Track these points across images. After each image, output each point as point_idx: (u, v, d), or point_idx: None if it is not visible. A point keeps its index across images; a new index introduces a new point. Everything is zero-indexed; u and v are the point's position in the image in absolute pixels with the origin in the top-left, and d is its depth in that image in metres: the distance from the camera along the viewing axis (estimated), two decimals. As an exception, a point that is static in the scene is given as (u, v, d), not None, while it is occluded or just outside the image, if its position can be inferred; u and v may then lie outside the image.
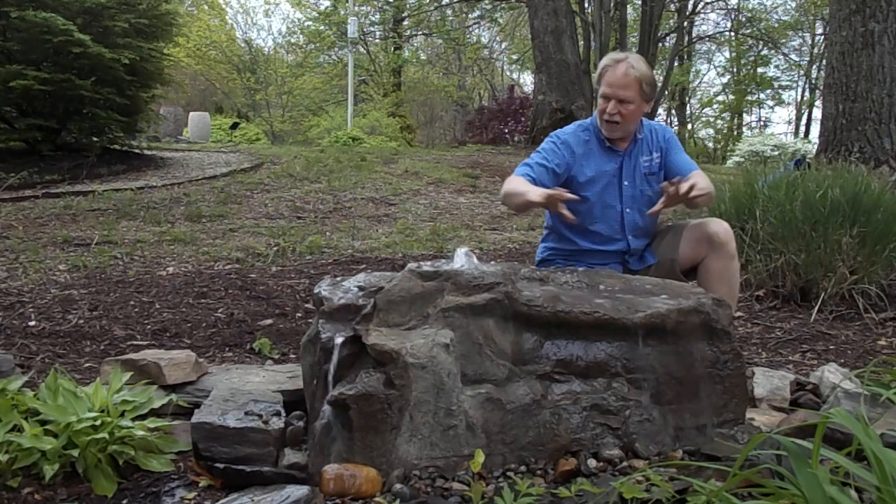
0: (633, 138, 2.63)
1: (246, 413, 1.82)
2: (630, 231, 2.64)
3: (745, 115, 28.88)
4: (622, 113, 2.52)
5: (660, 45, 20.66)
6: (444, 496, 1.62)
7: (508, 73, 29.19)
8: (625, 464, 1.75)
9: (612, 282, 2.10)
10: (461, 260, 1.92)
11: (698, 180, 2.51)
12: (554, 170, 2.57)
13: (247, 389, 2.01)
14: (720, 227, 2.53)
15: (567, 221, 2.39)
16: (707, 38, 25.13)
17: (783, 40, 24.05)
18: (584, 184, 2.60)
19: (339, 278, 2.03)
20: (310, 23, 23.71)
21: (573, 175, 2.60)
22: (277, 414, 1.85)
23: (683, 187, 2.33)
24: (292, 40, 26.80)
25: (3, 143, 7.61)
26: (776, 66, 25.69)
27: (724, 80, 28.14)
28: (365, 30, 23.26)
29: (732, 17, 23.21)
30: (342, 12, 20.75)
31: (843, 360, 2.86)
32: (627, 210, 2.62)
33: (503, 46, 26.90)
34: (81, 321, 3.16)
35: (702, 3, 22.05)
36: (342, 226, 5.89)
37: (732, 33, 23.72)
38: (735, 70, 26.89)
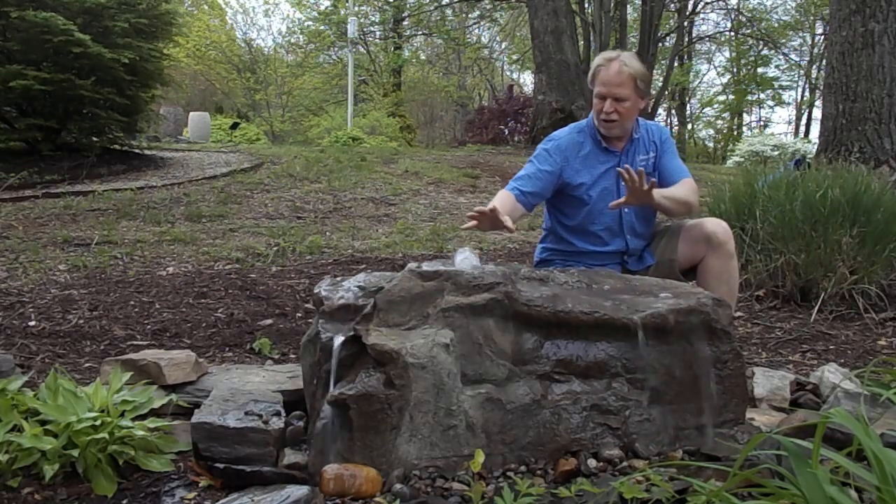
0: (630, 137, 2.63)
1: (246, 413, 1.82)
2: (628, 231, 2.64)
3: (745, 115, 28.91)
4: (619, 111, 2.52)
5: (660, 45, 20.66)
6: (444, 496, 1.62)
7: (508, 73, 29.21)
8: (625, 464, 1.75)
9: (612, 282, 2.10)
10: (461, 259, 1.92)
11: (677, 190, 2.53)
12: (545, 178, 2.59)
13: (247, 389, 2.01)
14: (718, 227, 2.53)
15: (508, 232, 2.39)
16: (707, 38, 25.15)
17: (783, 40, 24.05)
18: (580, 186, 2.60)
19: (339, 278, 2.03)
20: (310, 23, 23.73)
21: (567, 180, 2.60)
22: (277, 414, 1.85)
23: (645, 184, 2.34)
24: (292, 40, 26.83)
25: (3, 143, 7.60)
26: (776, 66, 25.71)
27: (724, 80, 28.17)
28: (365, 30, 23.26)
29: (732, 17, 23.22)
30: (342, 12, 20.75)
31: (843, 360, 2.86)
32: (626, 210, 2.62)
33: (503, 46, 26.91)
34: (81, 321, 3.16)
35: (702, 3, 22.07)
36: (342, 226, 5.89)
37: (732, 33, 23.72)
38: (735, 70, 26.89)
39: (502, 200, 2.52)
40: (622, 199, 2.43)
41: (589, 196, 2.59)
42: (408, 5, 22.66)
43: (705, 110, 30.01)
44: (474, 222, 2.31)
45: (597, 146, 2.62)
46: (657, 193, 2.44)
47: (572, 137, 2.65)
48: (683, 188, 2.56)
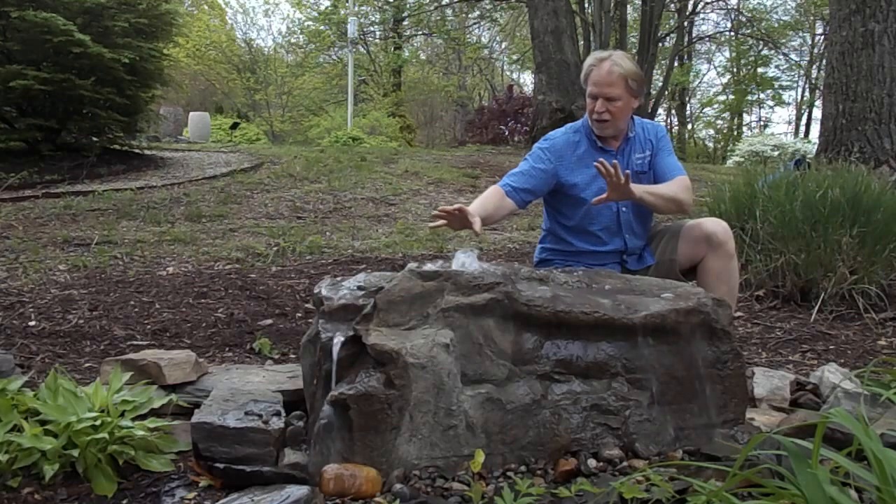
0: (625, 136, 2.64)
1: (246, 413, 1.82)
2: (626, 230, 2.64)
3: (745, 115, 28.86)
4: (610, 111, 2.53)
5: (660, 45, 20.65)
6: (444, 496, 1.62)
7: (508, 73, 29.20)
8: (625, 464, 1.75)
9: (612, 282, 2.10)
10: (462, 261, 1.92)
11: (663, 186, 2.53)
12: (539, 176, 2.59)
13: (247, 389, 2.01)
14: (718, 227, 2.53)
15: (476, 234, 2.36)
16: (707, 38, 25.13)
17: (783, 40, 24.04)
18: (574, 186, 2.60)
19: (339, 278, 2.03)
20: (310, 23, 23.72)
21: (563, 180, 2.61)
22: (277, 414, 1.85)
23: (621, 176, 2.33)
24: (292, 40, 26.83)
25: (3, 143, 7.59)
26: (776, 66, 25.68)
27: (724, 80, 28.15)
28: (365, 30, 23.25)
29: (732, 17, 23.20)
30: (342, 12, 20.75)
31: (843, 360, 2.86)
32: (623, 209, 2.62)
33: (503, 46, 26.90)
34: (81, 321, 3.16)
35: (702, 3, 22.05)
36: (342, 226, 5.89)
37: (732, 33, 23.71)
38: (735, 70, 26.88)
39: (486, 197, 2.53)
40: (604, 196, 2.43)
41: (584, 196, 2.59)
42: (408, 5, 22.66)
43: (705, 110, 30.00)
44: (442, 221, 2.31)
45: (592, 146, 2.63)
46: (639, 189, 2.44)
47: (568, 137, 2.66)
48: (672, 185, 2.55)
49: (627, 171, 2.37)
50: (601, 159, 2.39)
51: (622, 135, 2.63)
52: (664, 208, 2.59)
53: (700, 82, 29.35)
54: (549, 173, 2.60)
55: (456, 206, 2.29)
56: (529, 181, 2.59)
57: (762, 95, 27.05)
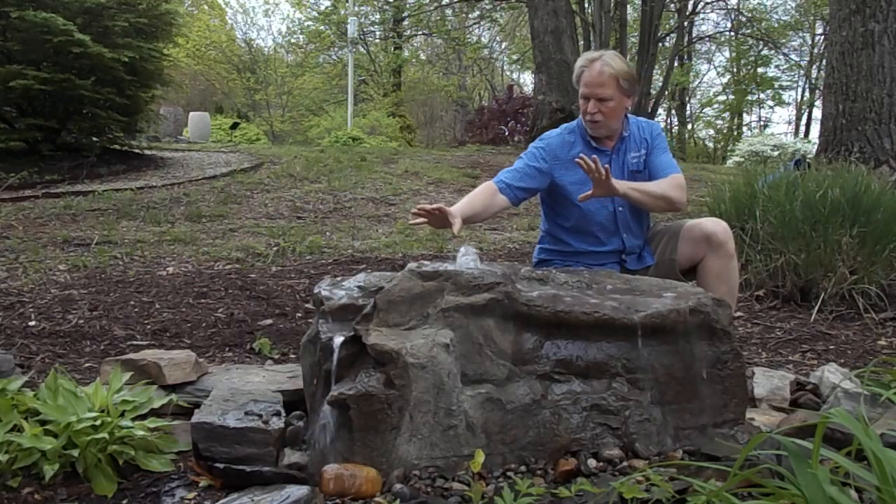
0: (620, 136, 2.64)
1: (246, 413, 1.82)
2: (624, 229, 2.64)
3: (745, 115, 28.86)
4: (603, 111, 2.53)
5: (660, 45, 20.65)
6: (444, 496, 1.62)
7: (508, 73, 29.20)
8: (625, 464, 1.75)
9: (612, 282, 2.10)
10: (463, 258, 1.93)
11: (652, 184, 2.52)
12: (534, 174, 2.59)
13: (247, 389, 2.01)
14: (718, 227, 2.53)
15: (453, 234, 2.35)
16: (707, 38, 25.13)
17: (783, 40, 24.03)
18: (571, 185, 2.60)
19: (339, 278, 2.03)
20: (310, 23, 23.72)
21: (558, 181, 2.61)
22: (277, 414, 1.85)
23: (601, 170, 2.33)
24: (292, 40, 26.83)
25: (3, 143, 7.59)
26: (776, 66, 25.67)
27: (724, 80, 28.14)
28: (365, 30, 23.25)
29: (732, 17, 23.20)
30: (342, 12, 20.75)
31: (843, 360, 2.86)
32: (620, 208, 2.62)
33: (503, 46, 26.90)
34: (81, 321, 3.16)
35: (702, 3, 22.05)
36: (342, 226, 5.89)
37: (732, 33, 23.71)
38: (735, 70, 26.88)
39: (475, 195, 2.54)
40: (589, 192, 2.42)
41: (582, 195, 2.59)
42: (408, 5, 22.65)
43: (705, 110, 29.99)
44: (422, 219, 2.30)
45: (587, 146, 2.63)
46: (623, 185, 2.43)
47: (563, 137, 2.66)
48: (662, 183, 2.54)
49: (607, 166, 2.36)
50: (582, 155, 2.38)
51: (616, 134, 2.63)
52: (653, 206, 2.58)
53: (700, 82, 29.38)
54: (544, 172, 2.60)
55: (436, 205, 2.29)
56: (524, 179, 2.59)
57: (762, 95, 27.06)
